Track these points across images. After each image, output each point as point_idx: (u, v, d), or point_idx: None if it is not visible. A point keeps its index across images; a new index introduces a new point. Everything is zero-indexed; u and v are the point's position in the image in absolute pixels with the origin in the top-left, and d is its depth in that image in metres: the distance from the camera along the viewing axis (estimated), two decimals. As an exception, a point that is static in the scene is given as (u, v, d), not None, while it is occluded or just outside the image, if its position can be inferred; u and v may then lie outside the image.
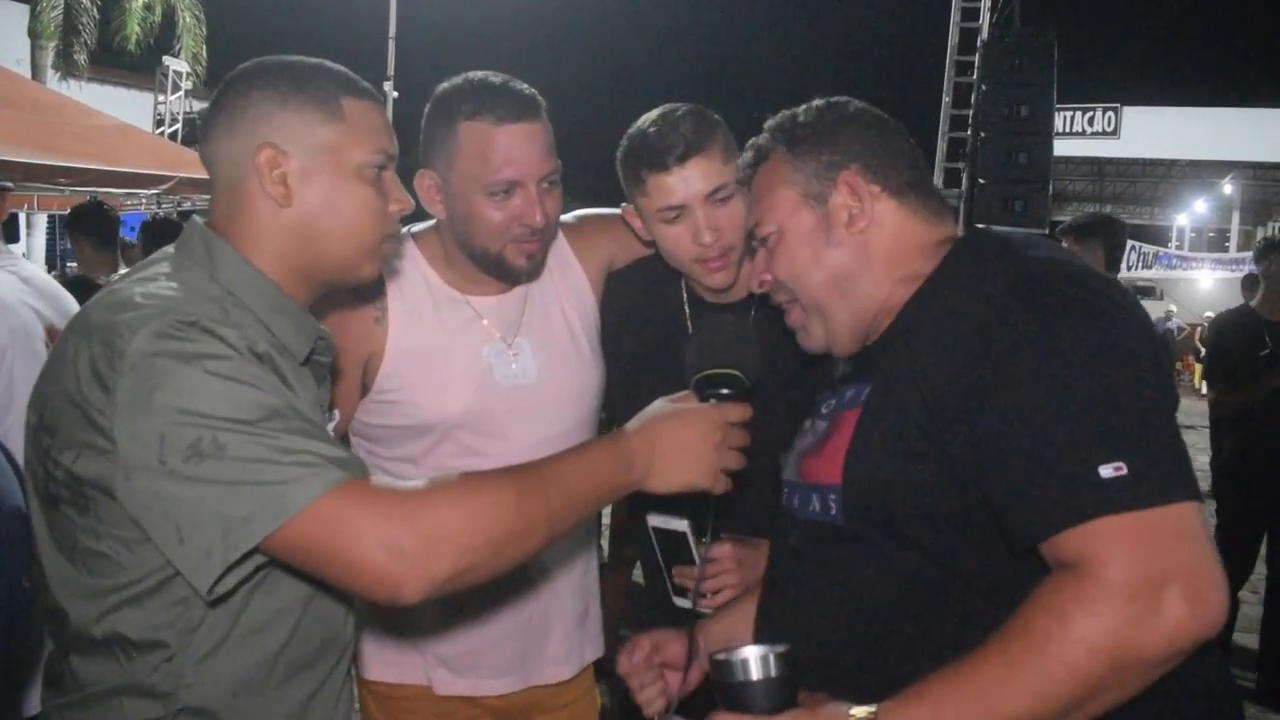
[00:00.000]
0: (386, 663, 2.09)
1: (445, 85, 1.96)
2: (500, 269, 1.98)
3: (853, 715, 1.24)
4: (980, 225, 7.54)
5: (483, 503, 1.26)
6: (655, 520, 1.92)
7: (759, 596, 1.62)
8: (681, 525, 1.89)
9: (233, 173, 1.41)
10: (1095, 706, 1.17)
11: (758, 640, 1.47)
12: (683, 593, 1.95)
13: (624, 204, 2.06)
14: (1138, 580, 1.14)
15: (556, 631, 2.12)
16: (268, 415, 1.21)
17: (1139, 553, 1.14)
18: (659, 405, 1.51)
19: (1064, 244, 4.61)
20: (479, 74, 1.94)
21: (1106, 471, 1.16)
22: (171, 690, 1.32)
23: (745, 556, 1.89)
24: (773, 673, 1.30)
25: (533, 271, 2.01)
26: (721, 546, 1.90)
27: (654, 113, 1.97)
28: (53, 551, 1.33)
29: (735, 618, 1.68)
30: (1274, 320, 5.02)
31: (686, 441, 1.47)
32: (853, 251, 1.48)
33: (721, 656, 1.32)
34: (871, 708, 1.24)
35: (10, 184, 2.95)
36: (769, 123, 1.58)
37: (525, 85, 1.95)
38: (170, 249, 1.43)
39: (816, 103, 1.57)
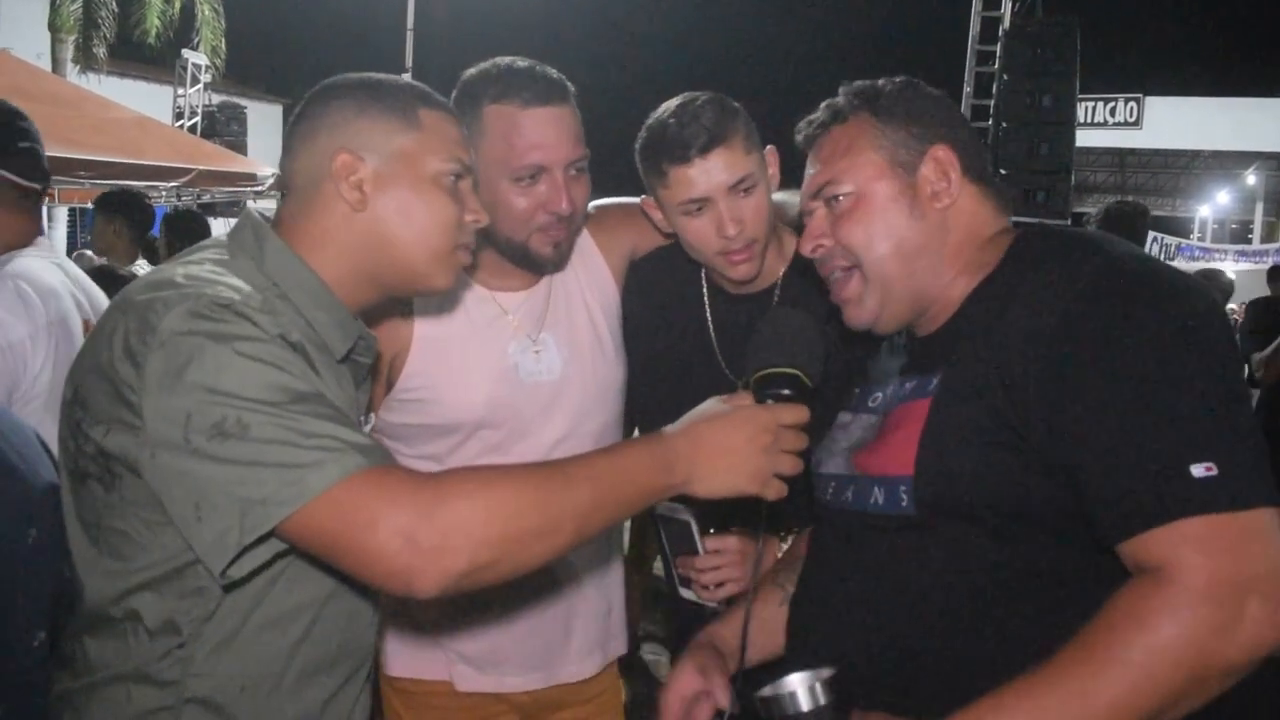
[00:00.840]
0: (409, 659, 2.08)
1: (471, 70, 1.94)
2: (526, 258, 1.94)
3: None
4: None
5: (503, 497, 1.23)
6: (661, 508, 1.88)
7: (796, 593, 1.57)
8: (686, 515, 1.85)
9: (308, 178, 1.43)
10: (1175, 714, 1.14)
11: (801, 647, 1.44)
12: (687, 584, 1.92)
13: (644, 196, 2.02)
14: (1222, 586, 1.11)
15: (579, 628, 2.10)
16: (293, 399, 1.20)
17: (1224, 557, 1.12)
18: (708, 405, 1.44)
19: None
20: (506, 59, 1.91)
21: (1198, 471, 1.14)
22: (179, 679, 1.31)
23: (750, 551, 1.85)
24: (821, 700, 1.29)
25: (559, 261, 1.98)
26: (725, 539, 1.86)
27: (673, 102, 1.93)
28: (77, 528, 1.34)
29: (755, 622, 1.61)
30: None
31: (732, 444, 1.39)
32: (930, 228, 1.45)
33: (768, 693, 1.31)
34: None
35: (46, 184, 2.98)
36: (847, 86, 1.53)
37: (554, 71, 1.91)
38: (222, 236, 1.45)
39: (896, 78, 1.53)
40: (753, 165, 1.90)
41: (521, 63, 1.90)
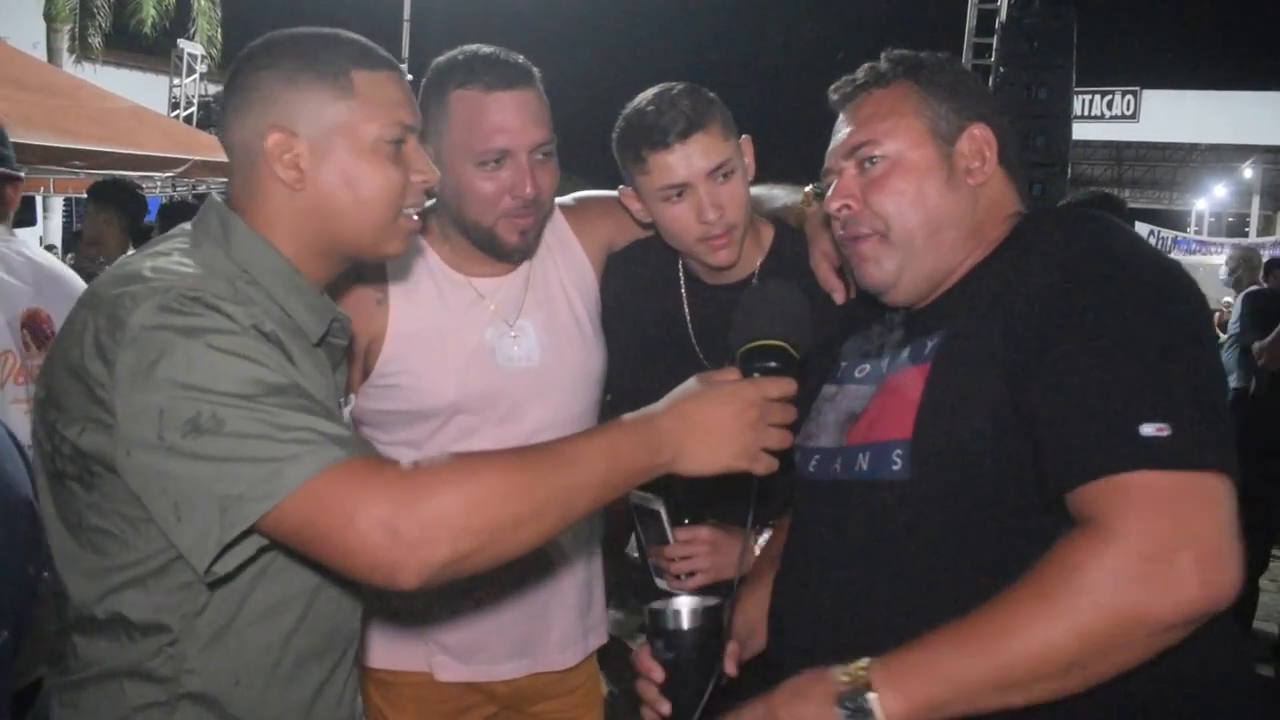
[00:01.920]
0: (388, 650, 2.07)
1: (440, 58, 1.94)
2: (493, 245, 1.94)
3: (835, 674, 1.21)
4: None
5: (486, 484, 1.20)
6: (634, 498, 1.88)
7: (780, 567, 1.58)
8: (657, 505, 1.86)
9: (245, 157, 1.38)
10: (1100, 668, 1.15)
11: (786, 617, 1.48)
12: (660, 573, 1.92)
13: (621, 187, 2.02)
14: (1154, 541, 1.12)
15: (559, 617, 2.10)
16: (268, 391, 1.18)
17: (1161, 514, 1.13)
18: (692, 382, 1.40)
19: None
20: (473, 46, 1.92)
21: (1148, 430, 1.15)
22: (173, 675, 1.30)
23: (721, 541, 1.86)
24: (700, 623, 1.41)
25: (526, 249, 1.97)
26: (696, 530, 1.87)
27: (649, 92, 1.93)
28: (59, 528, 1.32)
29: (757, 608, 1.63)
30: None
31: (718, 420, 1.35)
32: (962, 203, 1.45)
33: (657, 606, 1.43)
34: (864, 661, 1.21)
35: (22, 173, 2.96)
36: (890, 53, 1.53)
37: (519, 56, 1.92)
38: (188, 225, 1.41)
39: (939, 53, 1.53)
40: (730, 151, 1.91)
41: (487, 49, 1.91)
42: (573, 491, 1.26)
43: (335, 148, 1.36)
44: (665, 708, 1.44)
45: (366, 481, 1.16)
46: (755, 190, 2.04)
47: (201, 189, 10.99)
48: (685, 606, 1.42)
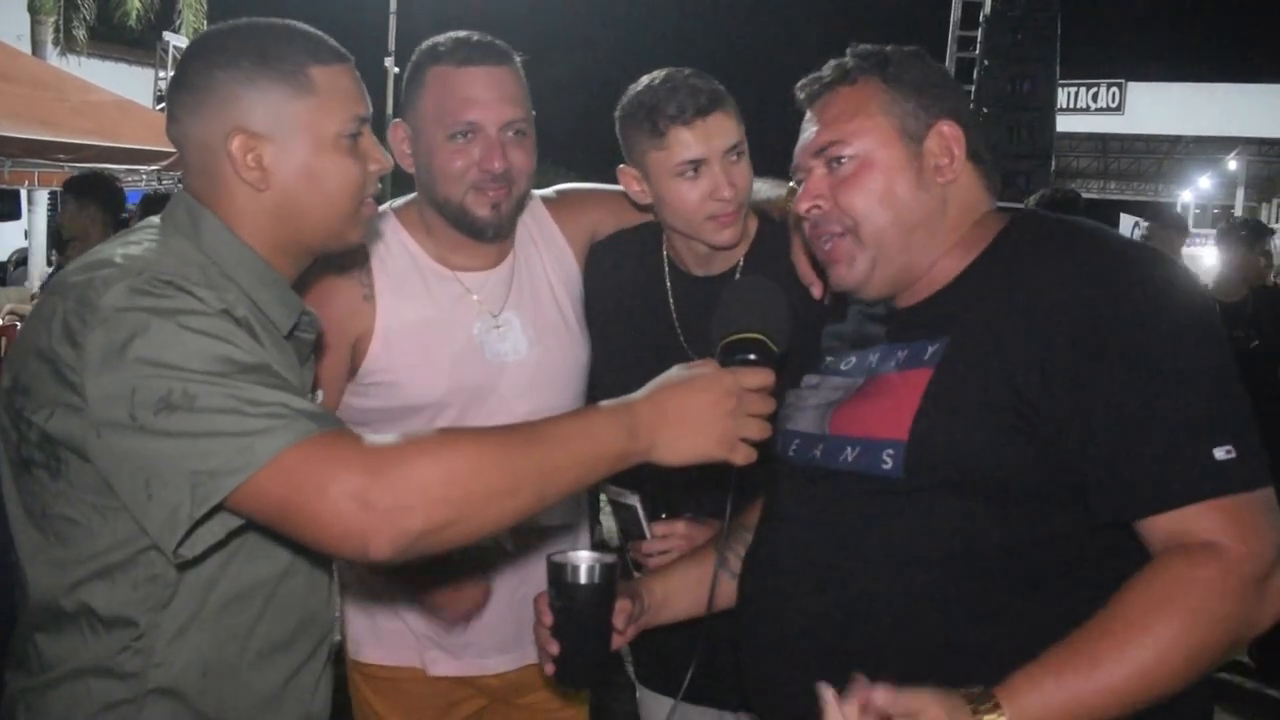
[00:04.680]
0: (378, 644, 2.09)
1: (424, 43, 1.97)
2: (464, 220, 1.94)
3: (959, 701, 1.18)
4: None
5: (461, 456, 1.21)
6: (611, 492, 1.90)
7: (751, 543, 1.60)
8: (632, 500, 1.87)
9: (203, 155, 1.38)
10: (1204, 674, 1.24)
11: (758, 596, 1.51)
12: (639, 568, 1.94)
13: (621, 167, 2.02)
14: (1256, 559, 1.21)
15: None
16: (240, 369, 1.18)
17: (1253, 534, 1.22)
18: (672, 372, 1.41)
19: None
20: (458, 31, 1.95)
21: (1220, 454, 1.22)
22: (140, 670, 1.30)
23: (697, 534, 1.87)
24: (596, 579, 1.51)
25: (499, 224, 1.96)
26: (673, 524, 1.89)
27: (658, 73, 1.94)
28: (22, 519, 1.31)
29: (680, 578, 1.69)
30: (1227, 303, 4.93)
31: (695, 409, 1.36)
32: (931, 201, 1.46)
33: (558, 559, 1.52)
34: (979, 689, 1.19)
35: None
36: (856, 49, 1.52)
37: (499, 40, 1.94)
38: (155, 219, 1.41)
39: (905, 48, 1.53)
40: (742, 134, 1.94)
41: (466, 31, 1.93)
42: (548, 469, 1.26)
43: (298, 146, 1.37)
44: (554, 648, 1.54)
45: (339, 453, 1.16)
46: None
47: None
48: (582, 563, 1.52)
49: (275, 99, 1.35)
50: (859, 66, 1.49)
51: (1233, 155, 29.14)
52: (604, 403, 1.37)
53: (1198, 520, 1.22)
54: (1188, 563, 1.21)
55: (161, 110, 14.28)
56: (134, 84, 15.42)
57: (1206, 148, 29.32)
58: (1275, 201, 31.86)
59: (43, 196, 14.41)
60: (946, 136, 1.46)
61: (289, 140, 1.37)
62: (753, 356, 1.45)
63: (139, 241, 1.34)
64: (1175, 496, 1.23)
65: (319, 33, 1.44)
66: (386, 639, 2.08)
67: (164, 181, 10.64)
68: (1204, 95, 25.96)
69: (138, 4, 18.36)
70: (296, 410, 1.18)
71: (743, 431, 1.39)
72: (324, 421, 1.19)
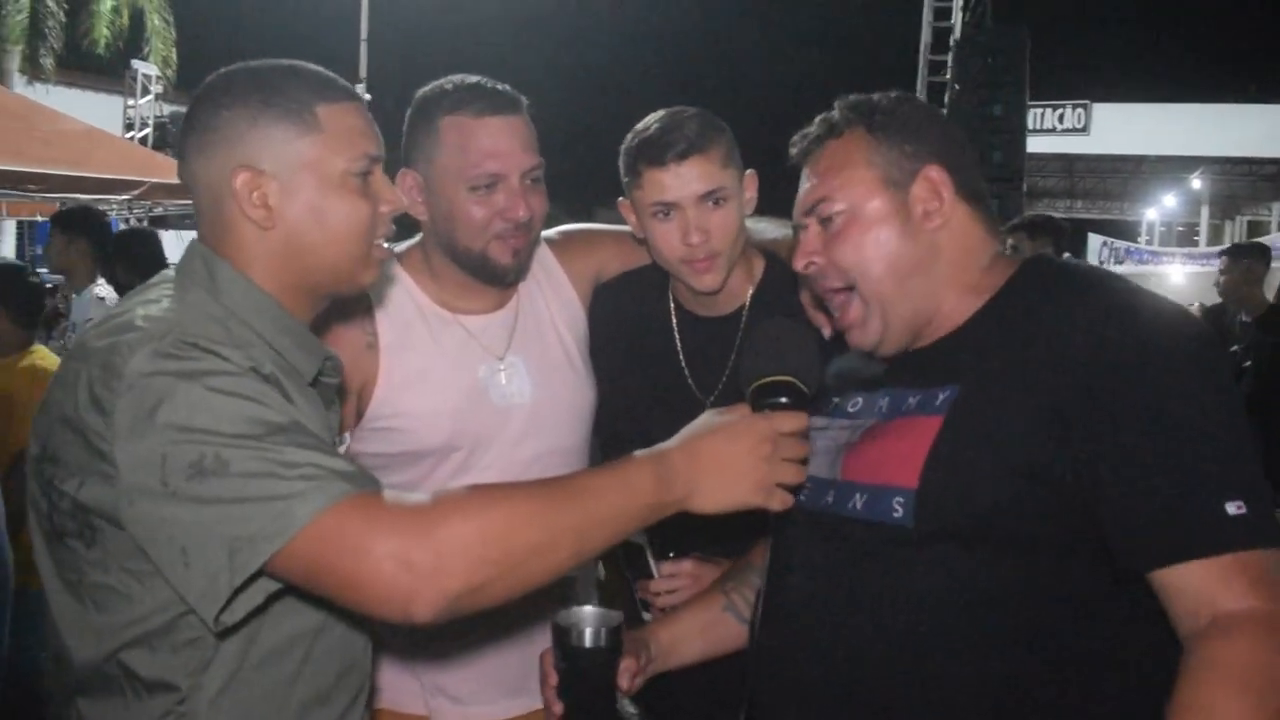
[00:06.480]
0: (384, 689, 2.03)
1: (425, 88, 1.96)
2: (484, 269, 1.94)
3: None
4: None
5: (499, 514, 1.19)
6: None
7: (765, 592, 1.57)
8: (640, 539, 1.86)
9: (211, 196, 1.37)
10: None
11: (772, 644, 1.48)
12: (647, 608, 1.92)
13: (620, 199, 2.04)
14: (1275, 616, 1.19)
15: None
16: (271, 430, 1.17)
17: (1273, 594, 1.20)
18: (705, 418, 1.40)
19: (1011, 241, 4.83)
20: (459, 75, 1.94)
21: (1232, 509, 1.21)
22: None
23: (705, 575, 1.86)
24: (602, 643, 1.46)
25: (518, 271, 1.98)
26: (680, 564, 1.88)
27: (662, 111, 1.96)
28: (59, 588, 1.29)
29: (688, 624, 1.67)
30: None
31: (731, 456, 1.34)
32: (922, 248, 1.45)
33: (561, 621, 1.49)
34: None
35: None
36: (843, 100, 1.53)
37: (506, 85, 1.94)
38: (170, 271, 1.40)
39: (893, 93, 1.53)
40: (727, 180, 1.92)
41: (474, 78, 1.94)
42: (586, 524, 1.26)
43: (303, 184, 1.36)
44: (558, 708, 1.51)
45: (376, 514, 1.15)
46: (746, 223, 2.05)
47: (158, 211, 10.86)
48: (587, 626, 1.47)
49: (279, 136, 1.34)
50: (845, 119, 1.50)
51: (1196, 174, 29.58)
52: (638, 453, 1.36)
53: (1215, 576, 1.21)
54: (1225, 640, 1.19)
55: (130, 138, 14.22)
56: (102, 112, 15.29)
57: (1171, 167, 29.74)
58: (1238, 219, 32.37)
59: (10, 226, 14.28)
60: (934, 181, 1.45)
61: (294, 178, 1.35)
62: (785, 400, 1.43)
63: (157, 300, 1.32)
64: (1179, 550, 1.22)
65: (328, 72, 1.43)
66: (391, 684, 2.04)
67: (134, 211, 10.55)
68: (1168, 115, 26.34)
69: (106, 32, 18.30)
70: (331, 470, 1.16)
71: (779, 477, 1.37)
72: (358, 482, 1.18)
